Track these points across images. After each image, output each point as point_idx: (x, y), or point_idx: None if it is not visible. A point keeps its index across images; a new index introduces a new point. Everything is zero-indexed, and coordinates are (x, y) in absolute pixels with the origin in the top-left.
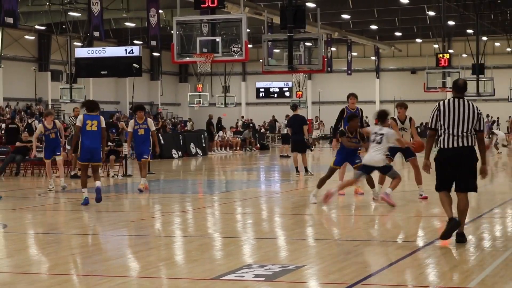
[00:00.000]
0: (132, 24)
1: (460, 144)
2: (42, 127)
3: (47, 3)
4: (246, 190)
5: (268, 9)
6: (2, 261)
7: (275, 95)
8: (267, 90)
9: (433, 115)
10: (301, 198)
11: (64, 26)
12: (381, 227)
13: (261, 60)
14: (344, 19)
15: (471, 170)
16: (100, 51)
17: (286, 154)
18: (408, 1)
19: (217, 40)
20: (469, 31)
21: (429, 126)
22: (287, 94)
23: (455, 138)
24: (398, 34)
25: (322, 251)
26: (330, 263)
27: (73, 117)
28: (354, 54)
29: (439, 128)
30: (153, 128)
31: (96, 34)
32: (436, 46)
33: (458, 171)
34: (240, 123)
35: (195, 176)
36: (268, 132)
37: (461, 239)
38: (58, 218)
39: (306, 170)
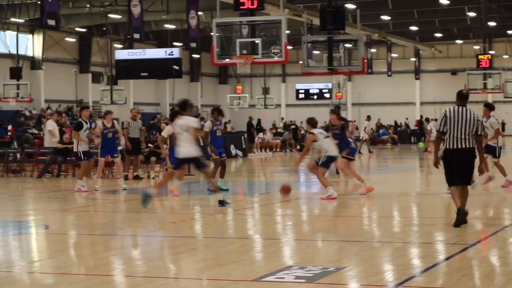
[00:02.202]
0: (172, 26)
1: (463, 146)
2: (101, 125)
3: (88, 6)
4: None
5: (307, 10)
6: (43, 262)
7: (315, 97)
8: (306, 91)
9: (441, 120)
10: (340, 200)
11: (104, 28)
12: (422, 229)
13: (300, 62)
14: (384, 20)
15: (471, 167)
16: (140, 53)
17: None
18: (449, 2)
19: (257, 41)
20: (510, 32)
21: (438, 129)
22: (327, 95)
23: (459, 140)
24: (438, 35)
25: (362, 253)
26: (370, 265)
27: (131, 119)
28: (394, 55)
29: (446, 131)
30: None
31: (137, 36)
32: (476, 47)
33: (460, 168)
34: (281, 124)
35: (235, 178)
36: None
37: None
38: (99, 219)
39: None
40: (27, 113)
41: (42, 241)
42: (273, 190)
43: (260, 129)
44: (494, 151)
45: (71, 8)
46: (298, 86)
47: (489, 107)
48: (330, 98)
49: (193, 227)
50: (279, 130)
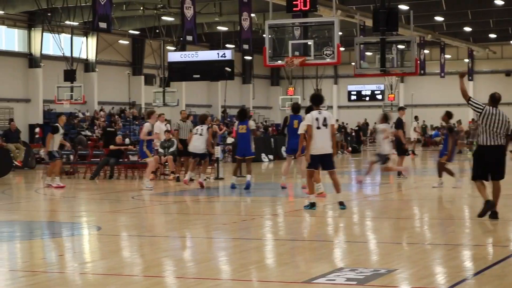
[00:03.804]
0: (224, 28)
1: (495, 143)
2: (149, 126)
3: (141, 8)
4: (337, 193)
5: (360, 12)
6: (96, 263)
7: (367, 98)
8: (358, 93)
9: (481, 115)
10: (393, 201)
11: (157, 31)
12: (474, 231)
13: (353, 63)
14: (437, 21)
15: (503, 163)
16: (192, 55)
17: None
18: (503, 2)
19: (309, 43)
20: None
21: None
22: (379, 97)
23: (492, 137)
24: (492, 36)
25: (414, 255)
26: (422, 267)
27: (181, 120)
28: (447, 56)
29: (482, 127)
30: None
31: (189, 38)
32: None
33: (494, 163)
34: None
35: (286, 179)
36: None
37: (495, 216)
38: (151, 220)
39: (399, 174)
40: (81, 115)
41: (95, 242)
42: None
43: None
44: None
45: (125, 11)
46: (350, 87)
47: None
48: (382, 99)
49: (245, 228)
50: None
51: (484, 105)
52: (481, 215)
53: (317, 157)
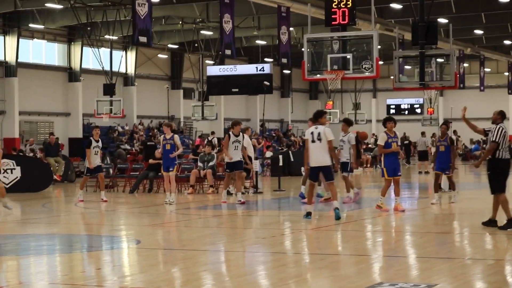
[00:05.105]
0: (263, 42)
1: (509, 156)
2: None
3: (180, 22)
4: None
5: (399, 25)
6: (135, 277)
7: (406, 112)
8: (397, 106)
9: (501, 134)
10: (432, 215)
11: (196, 45)
12: None
13: (392, 77)
14: (477, 34)
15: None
16: (231, 69)
17: (426, 171)
18: None
19: (348, 57)
20: None
21: (494, 140)
22: (418, 110)
23: (506, 151)
24: None
25: (454, 270)
26: (462, 282)
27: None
28: (487, 70)
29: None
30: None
31: (228, 52)
32: None
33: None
34: (372, 140)
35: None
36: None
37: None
38: (190, 234)
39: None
40: (120, 129)
41: (134, 255)
42: (363, 205)
43: None
44: (346, 166)
45: (163, 25)
46: (389, 101)
47: (348, 122)
48: (421, 113)
49: (283, 243)
50: (369, 145)
51: (502, 128)
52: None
53: (316, 169)
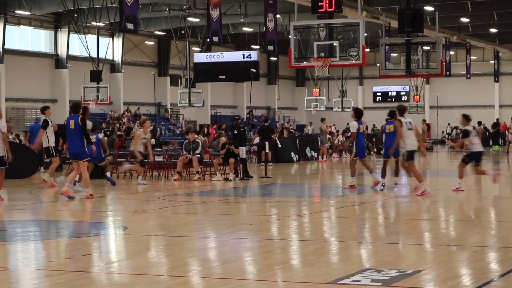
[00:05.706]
0: (249, 29)
1: None
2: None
3: (167, 9)
4: (362, 195)
5: (385, 13)
6: (122, 263)
7: (392, 99)
8: (384, 94)
9: None
10: (416, 203)
11: (183, 32)
12: (500, 233)
13: (378, 64)
14: (463, 22)
15: None
16: (218, 56)
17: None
18: None
19: (334, 44)
20: None
21: None
22: (405, 98)
23: None
24: None
25: (439, 257)
26: (447, 269)
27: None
28: (473, 57)
29: None
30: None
31: (215, 39)
32: None
33: None
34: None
35: (311, 180)
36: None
37: None
38: (176, 220)
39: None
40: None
41: (121, 242)
42: (349, 193)
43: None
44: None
45: (150, 12)
46: (376, 88)
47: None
48: (407, 100)
49: (270, 229)
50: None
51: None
52: None
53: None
